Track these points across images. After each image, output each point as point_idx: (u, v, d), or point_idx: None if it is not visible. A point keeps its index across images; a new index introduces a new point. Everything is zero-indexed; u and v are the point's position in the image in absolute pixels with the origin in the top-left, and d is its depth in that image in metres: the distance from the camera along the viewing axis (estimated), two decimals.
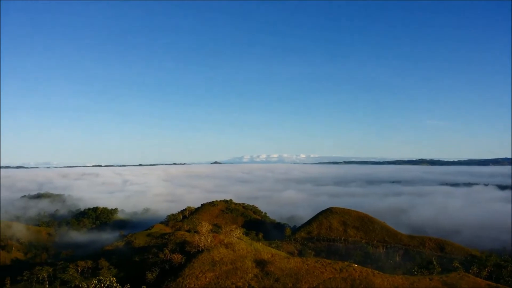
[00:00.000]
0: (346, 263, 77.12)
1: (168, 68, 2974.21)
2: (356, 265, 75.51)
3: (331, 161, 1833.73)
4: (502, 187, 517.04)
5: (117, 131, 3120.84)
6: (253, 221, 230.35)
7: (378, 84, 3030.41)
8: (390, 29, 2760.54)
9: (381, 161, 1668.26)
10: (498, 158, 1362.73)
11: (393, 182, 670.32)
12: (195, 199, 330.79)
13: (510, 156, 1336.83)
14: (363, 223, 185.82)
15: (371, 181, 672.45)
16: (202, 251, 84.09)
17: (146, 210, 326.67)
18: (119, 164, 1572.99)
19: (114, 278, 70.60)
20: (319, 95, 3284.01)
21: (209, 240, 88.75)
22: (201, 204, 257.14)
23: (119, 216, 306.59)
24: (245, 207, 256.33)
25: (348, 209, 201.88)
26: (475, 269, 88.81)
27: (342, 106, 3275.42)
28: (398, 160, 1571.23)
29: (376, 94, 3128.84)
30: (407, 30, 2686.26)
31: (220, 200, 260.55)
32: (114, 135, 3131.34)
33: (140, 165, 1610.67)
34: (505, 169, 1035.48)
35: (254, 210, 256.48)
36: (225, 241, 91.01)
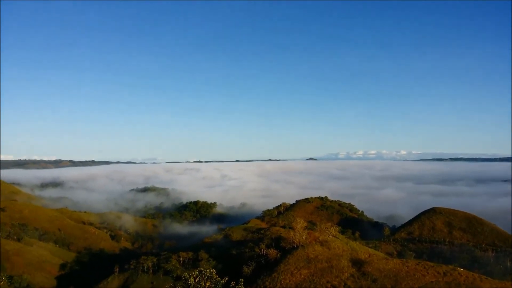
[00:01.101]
0: (450, 266, 72.41)
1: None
2: (462, 269, 70.49)
3: (435, 157, 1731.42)
4: None
5: (216, 129, 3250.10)
6: (349, 219, 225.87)
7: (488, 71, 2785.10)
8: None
9: (492, 157, 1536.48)
10: None
11: (505, 181, 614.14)
12: (290, 195, 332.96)
13: None
14: (470, 224, 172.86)
15: (480, 180, 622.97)
16: (297, 247, 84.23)
17: (243, 204, 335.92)
18: (218, 160, 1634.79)
19: (214, 270, 73.48)
20: (420, 87, 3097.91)
21: (304, 237, 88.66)
22: (296, 201, 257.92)
23: (218, 210, 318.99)
24: (340, 204, 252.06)
25: (454, 210, 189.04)
26: None
27: (449, 97, 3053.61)
28: (511, 157, 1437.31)
29: (484, 83, 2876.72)
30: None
31: (315, 197, 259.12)
32: (213, 133, 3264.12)
33: (237, 161, 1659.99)
34: None
35: (350, 208, 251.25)
36: (320, 239, 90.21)
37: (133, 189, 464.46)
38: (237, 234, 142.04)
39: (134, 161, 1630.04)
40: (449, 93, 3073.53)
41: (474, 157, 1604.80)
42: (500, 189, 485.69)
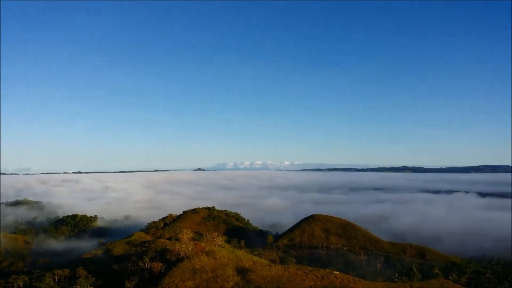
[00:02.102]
0: (327, 270, 76.87)
1: (147, 73, 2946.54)
2: (338, 273, 75.30)
3: (315, 168, 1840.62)
4: (482, 195, 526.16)
5: (98, 137, 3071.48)
6: (235, 229, 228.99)
7: (360, 91, 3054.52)
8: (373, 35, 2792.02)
9: (365, 168, 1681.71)
10: (480, 166, 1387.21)
11: (375, 189, 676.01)
12: (177, 206, 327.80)
13: (491, 164, 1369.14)
14: (345, 230, 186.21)
15: (354, 188, 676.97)
16: (183, 259, 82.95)
17: (126, 217, 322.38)
18: (100, 171, 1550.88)
19: (91, 287, 69.17)
20: (303, 101, 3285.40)
21: (190, 248, 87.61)
22: (183, 211, 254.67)
23: (99, 223, 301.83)
24: (227, 214, 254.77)
25: (331, 216, 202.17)
26: (454, 276, 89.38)
27: (326, 113, 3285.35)
28: (381, 167, 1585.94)
29: (359, 101, 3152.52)
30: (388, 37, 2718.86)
31: (202, 207, 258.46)
32: (95, 141, 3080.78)
33: (121, 171, 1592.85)
34: (486, 176, 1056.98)
35: (237, 217, 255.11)
36: (207, 249, 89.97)
37: (1, 203, 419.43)
38: (119, 248, 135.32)
39: (4, 172, 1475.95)
40: (325, 109, 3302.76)
41: (348, 167, 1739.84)
42: (371, 196, 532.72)
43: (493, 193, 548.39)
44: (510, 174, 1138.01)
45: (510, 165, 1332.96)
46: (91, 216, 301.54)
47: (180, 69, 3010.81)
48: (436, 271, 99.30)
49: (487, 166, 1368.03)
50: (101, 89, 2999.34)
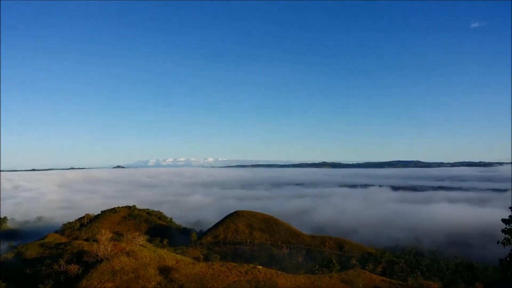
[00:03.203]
0: (251, 265, 77.35)
1: (63, 66, 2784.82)
2: (261, 267, 76.09)
3: (239, 164, 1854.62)
4: (395, 188, 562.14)
5: (7, 133, 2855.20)
6: (157, 227, 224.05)
7: (282, 87, 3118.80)
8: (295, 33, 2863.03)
9: (287, 164, 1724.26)
10: (392, 161, 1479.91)
11: (297, 184, 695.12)
12: (94, 206, 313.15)
13: (402, 159, 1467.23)
14: (268, 225, 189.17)
15: (276, 184, 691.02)
16: (102, 260, 79.24)
17: (39, 218, 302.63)
18: (9, 169, 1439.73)
19: None
20: (225, 97, 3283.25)
21: (109, 249, 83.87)
22: (101, 211, 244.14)
23: (9, 225, 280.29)
24: (149, 213, 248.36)
25: (255, 212, 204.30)
26: (370, 265, 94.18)
27: (249, 110, 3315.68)
28: (302, 163, 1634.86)
29: (281, 98, 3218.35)
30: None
31: (122, 206, 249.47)
32: (3, 137, 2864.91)
33: (33, 170, 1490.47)
34: (398, 171, 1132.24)
35: (159, 215, 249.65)
36: (127, 249, 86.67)
37: None
38: (32, 251, 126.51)
39: None
40: (249, 105, 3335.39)
41: (272, 163, 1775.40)
42: (293, 191, 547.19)
43: (404, 187, 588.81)
44: (419, 168, 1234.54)
45: (420, 160, 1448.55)
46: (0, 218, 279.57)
47: (96, 63, 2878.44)
48: (354, 262, 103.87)
49: (399, 161, 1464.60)
50: (11, 82, 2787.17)
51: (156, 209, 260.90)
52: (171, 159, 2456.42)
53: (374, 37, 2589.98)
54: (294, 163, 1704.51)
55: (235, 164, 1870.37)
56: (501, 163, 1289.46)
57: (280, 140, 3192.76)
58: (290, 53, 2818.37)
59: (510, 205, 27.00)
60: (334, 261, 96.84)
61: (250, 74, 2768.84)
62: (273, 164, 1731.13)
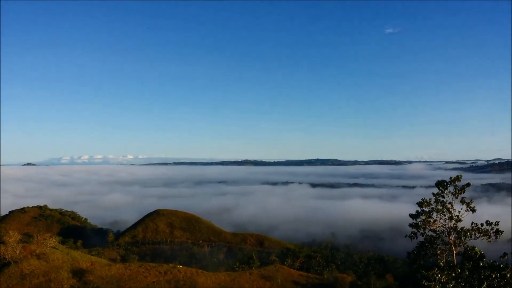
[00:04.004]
0: (171, 265, 76.23)
1: None
2: (181, 266, 75.19)
3: (161, 162, 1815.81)
4: (313, 185, 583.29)
5: None
6: (71, 228, 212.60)
7: (207, 84, 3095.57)
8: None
9: (210, 162, 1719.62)
10: (312, 159, 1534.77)
11: (219, 182, 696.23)
12: (2, 206, 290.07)
13: (321, 157, 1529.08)
14: (189, 223, 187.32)
15: (199, 182, 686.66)
16: (9, 264, 73.68)
17: None
18: None
19: None
20: (146, 91, 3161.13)
21: (17, 252, 78.16)
22: (9, 211, 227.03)
23: None
24: (62, 213, 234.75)
25: (176, 211, 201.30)
26: (289, 261, 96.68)
27: (171, 107, 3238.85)
28: (225, 161, 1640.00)
29: (204, 96, 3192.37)
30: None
31: (32, 206, 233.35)
32: None
33: None
34: (317, 168, 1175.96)
35: (73, 216, 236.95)
36: (37, 252, 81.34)
37: None
38: None
39: None
40: (172, 100, 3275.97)
41: (194, 161, 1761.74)
42: (216, 189, 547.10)
43: (322, 184, 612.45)
44: (336, 166, 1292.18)
45: (337, 158, 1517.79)
46: None
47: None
48: (273, 258, 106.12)
49: (317, 159, 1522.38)
50: None
51: (70, 209, 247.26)
52: (86, 156, 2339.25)
53: (292, 38, 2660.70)
54: (217, 160, 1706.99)
55: (157, 162, 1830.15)
56: (410, 162, 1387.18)
57: (204, 137, 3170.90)
58: (214, 48, 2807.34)
59: (417, 201, 28.62)
60: (254, 257, 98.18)
61: (171, 68, 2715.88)
62: (196, 162, 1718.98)
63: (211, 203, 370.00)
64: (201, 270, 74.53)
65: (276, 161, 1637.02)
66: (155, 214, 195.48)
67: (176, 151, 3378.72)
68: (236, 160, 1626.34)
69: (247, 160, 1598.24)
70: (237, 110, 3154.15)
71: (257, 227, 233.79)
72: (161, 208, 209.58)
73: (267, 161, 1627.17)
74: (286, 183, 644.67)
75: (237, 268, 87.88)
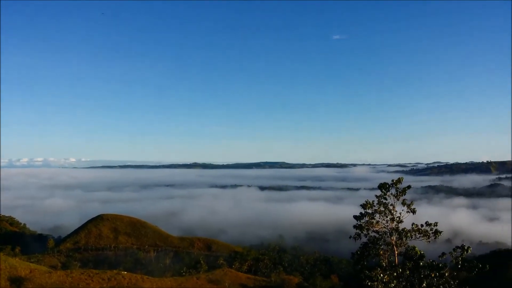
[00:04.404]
0: (115, 271, 74.14)
1: None
2: (126, 272, 73.26)
3: (105, 165, 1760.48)
4: (262, 188, 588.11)
5: None
6: (9, 234, 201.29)
7: (154, 85, 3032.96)
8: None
9: (157, 164, 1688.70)
10: (260, 162, 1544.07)
11: (167, 185, 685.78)
12: None
13: (269, 160, 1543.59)
14: (135, 228, 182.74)
15: (145, 185, 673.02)
16: None
17: None
18: None
19: None
20: (88, 92, 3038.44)
21: None
22: None
23: None
24: None
25: (120, 215, 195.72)
26: (237, 264, 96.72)
27: (116, 106, 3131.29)
28: (173, 164, 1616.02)
29: (152, 96, 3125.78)
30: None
31: None
32: None
33: None
34: (265, 171, 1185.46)
35: (11, 221, 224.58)
36: None
37: None
38: None
39: None
40: (115, 101, 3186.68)
41: (141, 164, 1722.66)
42: (163, 193, 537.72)
43: (270, 187, 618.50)
44: (284, 169, 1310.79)
45: (285, 161, 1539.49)
46: None
47: None
48: (221, 261, 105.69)
49: (266, 162, 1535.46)
50: None
51: (7, 214, 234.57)
52: (26, 159, 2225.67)
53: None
54: (165, 163, 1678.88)
55: (101, 165, 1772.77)
56: (355, 165, 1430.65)
57: (151, 140, 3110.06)
58: (160, 47, 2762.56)
59: (361, 203, 29.36)
60: (202, 261, 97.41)
61: (116, 67, 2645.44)
62: (143, 165, 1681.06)
63: (157, 207, 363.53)
64: (146, 276, 72.90)
65: (225, 164, 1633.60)
66: (99, 219, 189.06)
67: (121, 154, 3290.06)
68: (184, 163, 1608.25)
69: (195, 163, 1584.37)
70: (185, 112, 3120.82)
71: (205, 231, 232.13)
72: (105, 213, 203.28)
73: (216, 164, 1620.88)
74: (235, 186, 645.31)
75: (184, 273, 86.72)
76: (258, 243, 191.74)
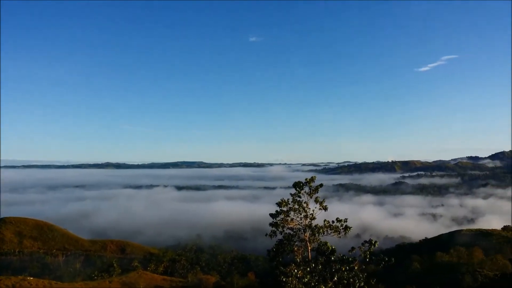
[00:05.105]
0: (20, 277, 69.34)
1: None
2: (32, 278, 68.84)
3: (7, 165, 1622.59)
4: (179, 188, 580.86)
5: None
6: None
7: (63, 81, 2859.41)
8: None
9: (66, 164, 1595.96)
10: (177, 162, 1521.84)
11: (77, 186, 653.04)
12: None
13: (187, 160, 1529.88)
14: (41, 231, 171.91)
15: (52, 186, 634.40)
16: None
17: None
18: None
19: None
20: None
21: None
22: None
23: None
24: None
25: (25, 218, 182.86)
26: (152, 266, 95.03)
27: (21, 101, 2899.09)
28: (83, 164, 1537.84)
29: (60, 91, 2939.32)
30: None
31: None
32: None
33: None
34: (183, 171, 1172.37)
35: None
36: None
37: None
38: None
39: None
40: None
41: (47, 164, 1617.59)
42: (72, 194, 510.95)
43: (188, 186, 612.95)
44: (202, 169, 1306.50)
45: (203, 161, 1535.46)
46: None
47: None
48: (136, 264, 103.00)
49: (183, 162, 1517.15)
50: None
51: None
52: None
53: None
54: (74, 163, 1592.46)
55: (3, 165, 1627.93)
56: (271, 164, 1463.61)
57: (58, 138, 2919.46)
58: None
59: (276, 201, 30.39)
60: (115, 265, 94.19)
61: (25, 64, 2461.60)
62: (49, 165, 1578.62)
63: (66, 209, 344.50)
64: (54, 281, 69.15)
65: (140, 164, 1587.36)
66: (1, 223, 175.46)
67: (25, 153, 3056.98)
68: (96, 162, 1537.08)
69: (108, 162, 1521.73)
70: (96, 108, 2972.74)
71: (118, 233, 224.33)
72: (7, 216, 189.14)
73: (131, 164, 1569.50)
74: (150, 186, 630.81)
75: (95, 277, 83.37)
76: (175, 243, 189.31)
